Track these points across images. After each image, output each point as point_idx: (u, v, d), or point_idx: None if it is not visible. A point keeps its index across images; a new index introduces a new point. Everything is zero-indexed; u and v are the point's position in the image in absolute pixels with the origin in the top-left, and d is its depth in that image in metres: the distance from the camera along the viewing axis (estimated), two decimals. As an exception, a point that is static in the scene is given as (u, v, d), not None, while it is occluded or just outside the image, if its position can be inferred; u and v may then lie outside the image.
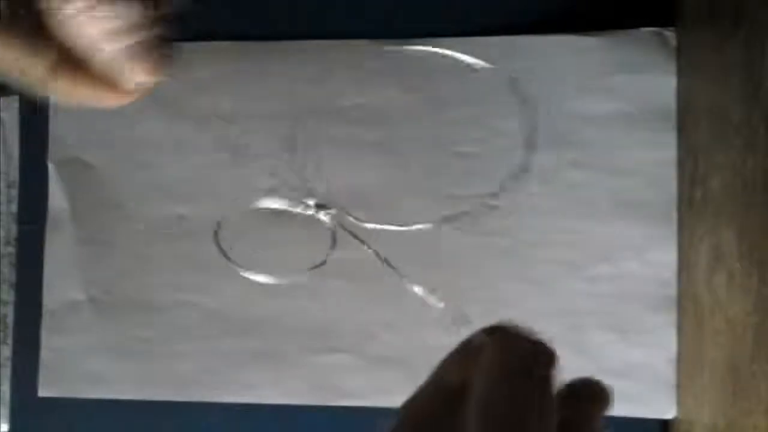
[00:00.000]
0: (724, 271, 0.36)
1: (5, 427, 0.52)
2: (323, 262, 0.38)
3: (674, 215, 0.47)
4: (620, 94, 0.48)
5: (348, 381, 0.49)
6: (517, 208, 0.49)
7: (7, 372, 0.53)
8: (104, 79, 0.25)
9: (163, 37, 0.24)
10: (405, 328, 0.49)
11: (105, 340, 0.51)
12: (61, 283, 0.52)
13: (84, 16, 0.22)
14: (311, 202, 0.29)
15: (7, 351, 0.53)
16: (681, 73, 0.47)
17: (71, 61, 0.24)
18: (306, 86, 0.51)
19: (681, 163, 0.47)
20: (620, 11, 0.49)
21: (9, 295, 0.53)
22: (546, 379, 0.23)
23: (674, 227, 0.47)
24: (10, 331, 0.53)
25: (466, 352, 0.25)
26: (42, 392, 0.52)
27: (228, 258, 0.33)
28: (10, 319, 0.53)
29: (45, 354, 0.52)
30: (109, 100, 0.25)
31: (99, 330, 0.51)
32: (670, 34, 0.48)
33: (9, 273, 0.53)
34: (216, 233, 0.31)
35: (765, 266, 0.30)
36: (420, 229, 0.49)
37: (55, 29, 0.23)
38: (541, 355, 0.24)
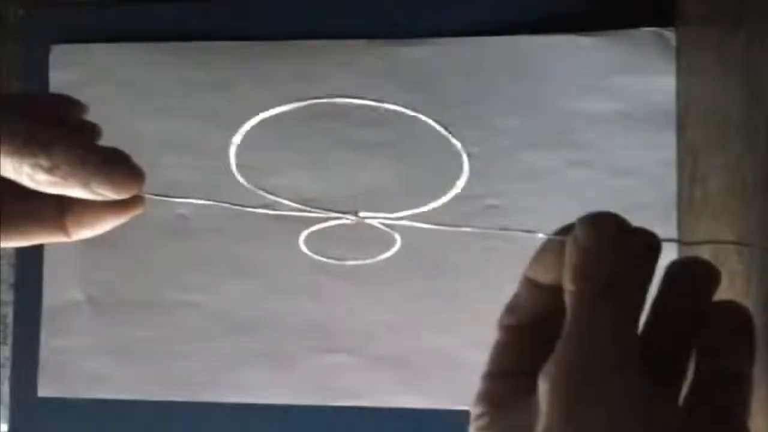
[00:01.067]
0: (724, 272, 0.36)
1: (5, 427, 0.52)
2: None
3: (674, 215, 0.47)
4: (620, 94, 0.48)
5: (348, 381, 0.49)
6: (517, 208, 0.49)
7: (6, 372, 0.53)
8: (101, 205, 0.27)
9: (110, 152, 0.26)
10: (405, 328, 0.49)
11: (105, 340, 0.51)
12: (61, 283, 0.52)
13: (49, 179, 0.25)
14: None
15: (7, 351, 0.53)
16: (681, 73, 0.47)
17: (72, 207, 0.27)
18: (306, 86, 0.51)
19: (681, 163, 0.47)
20: (620, 11, 0.49)
21: (9, 295, 0.53)
22: (640, 253, 0.25)
23: (674, 227, 0.47)
24: (10, 331, 0.53)
25: (547, 250, 0.27)
26: (42, 392, 0.52)
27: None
28: (10, 319, 0.53)
29: (45, 354, 0.52)
30: (120, 217, 0.27)
31: (99, 330, 0.51)
32: (669, 34, 0.48)
33: (9, 273, 0.53)
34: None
35: (765, 266, 0.30)
36: (420, 229, 0.49)
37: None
38: (634, 236, 0.25)
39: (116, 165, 0.25)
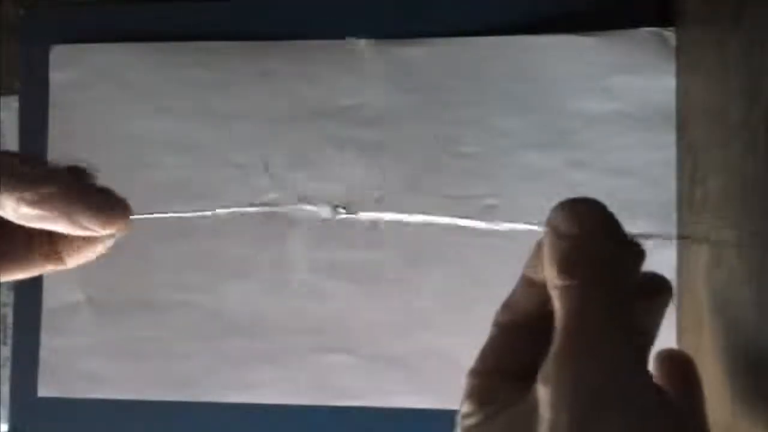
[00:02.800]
0: (723, 270, 0.36)
1: (5, 427, 0.52)
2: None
3: (674, 215, 0.47)
4: (620, 94, 0.48)
5: (348, 381, 0.49)
6: (517, 208, 0.49)
7: (6, 372, 0.53)
8: (80, 239, 0.27)
9: (97, 189, 0.26)
10: (405, 328, 0.49)
11: (105, 341, 0.51)
12: (61, 283, 0.52)
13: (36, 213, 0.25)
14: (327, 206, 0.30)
15: (6, 351, 0.53)
16: (681, 73, 0.47)
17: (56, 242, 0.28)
18: (306, 86, 0.51)
19: (681, 163, 0.47)
20: (620, 11, 0.49)
21: (9, 296, 0.53)
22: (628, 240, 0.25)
23: (674, 227, 0.47)
24: (9, 332, 0.53)
25: (537, 249, 0.27)
26: (41, 392, 0.52)
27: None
28: (10, 320, 0.53)
29: (44, 354, 0.52)
30: (96, 250, 0.28)
31: (98, 330, 0.51)
32: (669, 33, 0.48)
33: (9, 273, 0.53)
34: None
35: (765, 267, 0.30)
36: (420, 230, 0.49)
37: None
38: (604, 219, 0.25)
39: (104, 199, 0.26)
